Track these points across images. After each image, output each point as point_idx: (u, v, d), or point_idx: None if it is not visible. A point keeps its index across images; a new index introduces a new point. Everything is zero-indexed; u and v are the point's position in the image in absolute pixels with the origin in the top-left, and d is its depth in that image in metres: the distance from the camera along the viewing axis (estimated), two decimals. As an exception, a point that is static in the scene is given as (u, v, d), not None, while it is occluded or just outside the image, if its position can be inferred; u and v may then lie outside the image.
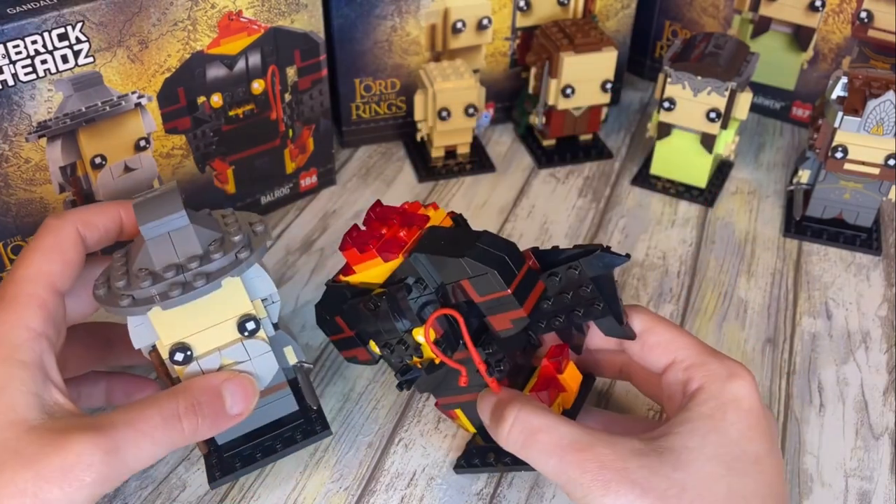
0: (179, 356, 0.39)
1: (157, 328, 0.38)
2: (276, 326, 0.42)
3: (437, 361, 0.42)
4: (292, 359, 0.43)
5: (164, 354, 0.39)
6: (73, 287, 0.40)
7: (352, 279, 0.43)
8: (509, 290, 0.37)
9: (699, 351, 0.40)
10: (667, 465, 0.35)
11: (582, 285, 0.40)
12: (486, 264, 0.37)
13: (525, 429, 0.37)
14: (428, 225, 0.42)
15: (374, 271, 0.41)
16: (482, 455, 0.45)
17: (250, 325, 0.40)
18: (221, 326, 0.40)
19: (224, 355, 0.40)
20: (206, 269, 0.38)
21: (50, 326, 0.37)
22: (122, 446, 0.34)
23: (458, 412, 0.45)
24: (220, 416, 0.38)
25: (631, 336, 0.41)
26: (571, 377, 0.43)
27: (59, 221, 0.40)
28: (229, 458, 0.43)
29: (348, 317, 0.44)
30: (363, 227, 0.42)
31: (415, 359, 0.43)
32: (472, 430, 0.46)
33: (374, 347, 0.44)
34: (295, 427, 0.44)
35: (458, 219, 0.44)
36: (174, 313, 0.38)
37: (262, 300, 0.41)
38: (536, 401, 0.39)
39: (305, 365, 0.44)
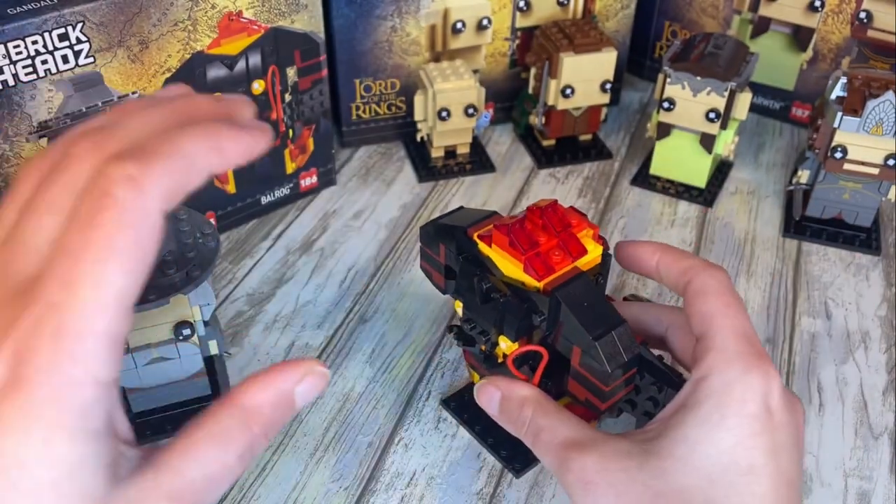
0: None
1: None
2: (205, 323, 0.46)
3: (499, 361, 0.44)
4: (214, 350, 0.48)
5: None
6: None
7: (484, 249, 0.43)
8: (606, 388, 0.39)
9: (728, 334, 0.37)
10: (646, 471, 0.34)
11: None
12: (607, 359, 0.38)
13: (532, 429, 0.39)
14: (581, 260, 0.42)
15: (507, 265, 0.42)
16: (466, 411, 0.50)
17: (186, 332, 0.44)
18: (159, 327, 0.44)
19: (157, 351, 0.44)
20: (160, 282, 0.40)
21: (118, 364, 0.27)
22: None
23: (474, 372, 0.49)
24: (286, 420, 0.32)
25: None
26: None
27: (142, 202, 0.25)
28: (140, 426, 0.47)
29: (459, 273, 0.44)
30: (526, 222, 0.42)
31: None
32: (478, 379, 0.47)
33: (457, 306, 0.46)
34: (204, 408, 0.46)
35: (604, 247, 0.44)
36: None
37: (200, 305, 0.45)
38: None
39: (225, 355, 0.50)
